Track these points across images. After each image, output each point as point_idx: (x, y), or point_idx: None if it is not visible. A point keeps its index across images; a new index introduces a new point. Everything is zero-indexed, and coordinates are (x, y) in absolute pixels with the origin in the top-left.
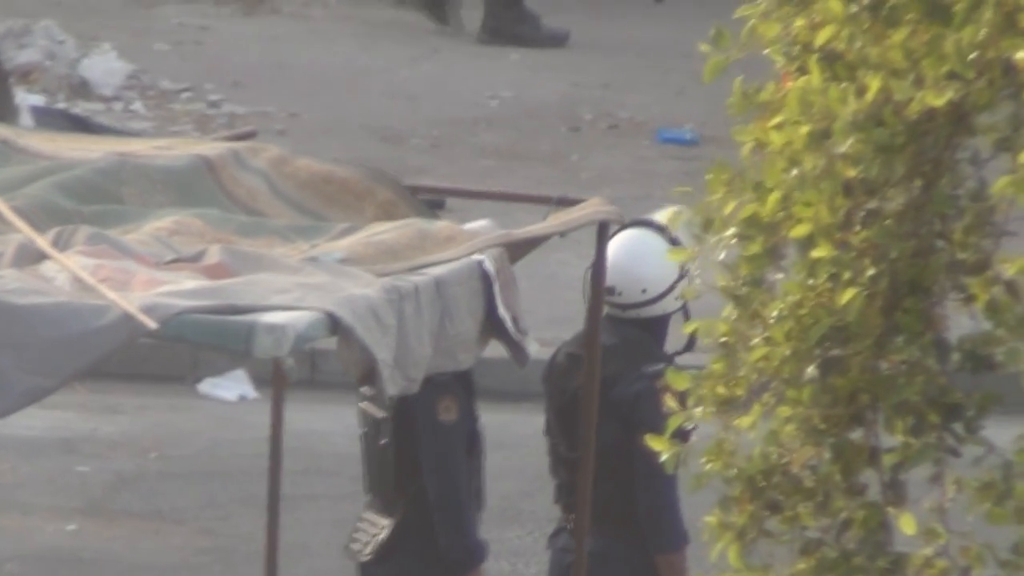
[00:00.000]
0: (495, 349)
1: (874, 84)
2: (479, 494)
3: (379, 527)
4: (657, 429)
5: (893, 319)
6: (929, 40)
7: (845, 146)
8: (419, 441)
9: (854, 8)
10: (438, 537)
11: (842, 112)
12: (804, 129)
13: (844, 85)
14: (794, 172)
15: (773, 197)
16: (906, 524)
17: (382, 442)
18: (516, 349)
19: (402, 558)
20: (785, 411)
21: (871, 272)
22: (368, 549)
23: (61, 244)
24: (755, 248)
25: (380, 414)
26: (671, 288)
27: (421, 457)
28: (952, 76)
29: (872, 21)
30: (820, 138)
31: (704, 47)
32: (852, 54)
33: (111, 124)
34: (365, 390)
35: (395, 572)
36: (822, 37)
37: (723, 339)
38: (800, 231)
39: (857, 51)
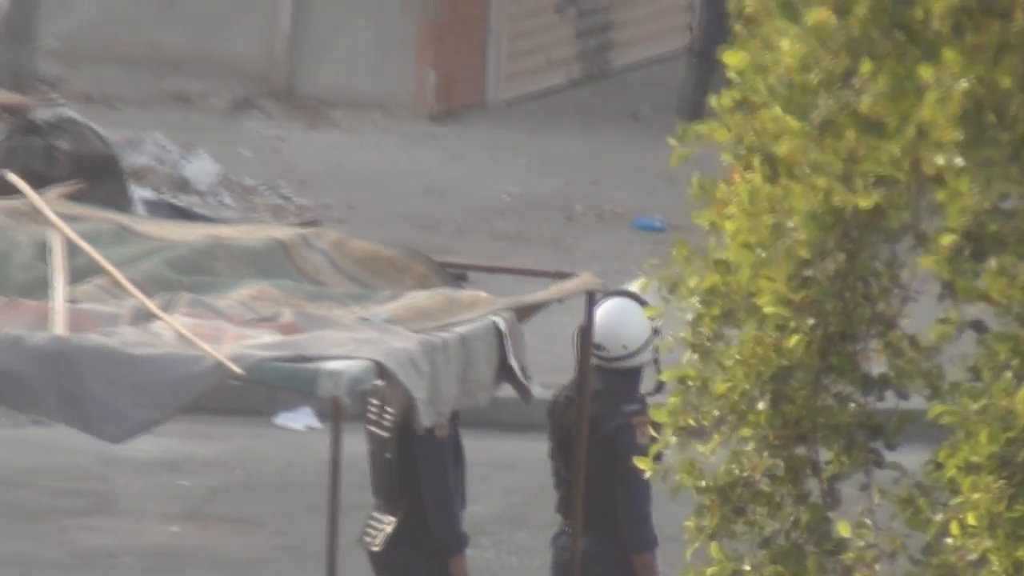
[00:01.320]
0: (507, 390)
1: (821, 184)
2: (462, 495)
3: (386, 523)
4: (633, 455)
5: (828, 360)
6: (866, 150)
7: (804, 234)
8: (417, 453)
9: (807, 126)
10: (432, 529)
11: (799, 207)
12: (767, 220)
13: (797, 186)
14: (760, 253)
15: (744, 274)
16: (842, 528)
17: (387, 456)
18: (523, 390)
19: (405, 547)
20: (746, 432)
21: (810, 323)
22: (378, 541)
23: (167, 307)
24: (715, 310)
25: (386, 435)
26: (645, 344)
27: (419, 466)
28: (878, 182)
29: (820, 134)
30: (779, 228)
31: (672, 141)
32: (801, 159)
33: (206, 213)
34: (370, 416)
35: (400, 559)
36: (783, 148)
37: (689, 382)
38: (764, 299)
39: (807, 158)
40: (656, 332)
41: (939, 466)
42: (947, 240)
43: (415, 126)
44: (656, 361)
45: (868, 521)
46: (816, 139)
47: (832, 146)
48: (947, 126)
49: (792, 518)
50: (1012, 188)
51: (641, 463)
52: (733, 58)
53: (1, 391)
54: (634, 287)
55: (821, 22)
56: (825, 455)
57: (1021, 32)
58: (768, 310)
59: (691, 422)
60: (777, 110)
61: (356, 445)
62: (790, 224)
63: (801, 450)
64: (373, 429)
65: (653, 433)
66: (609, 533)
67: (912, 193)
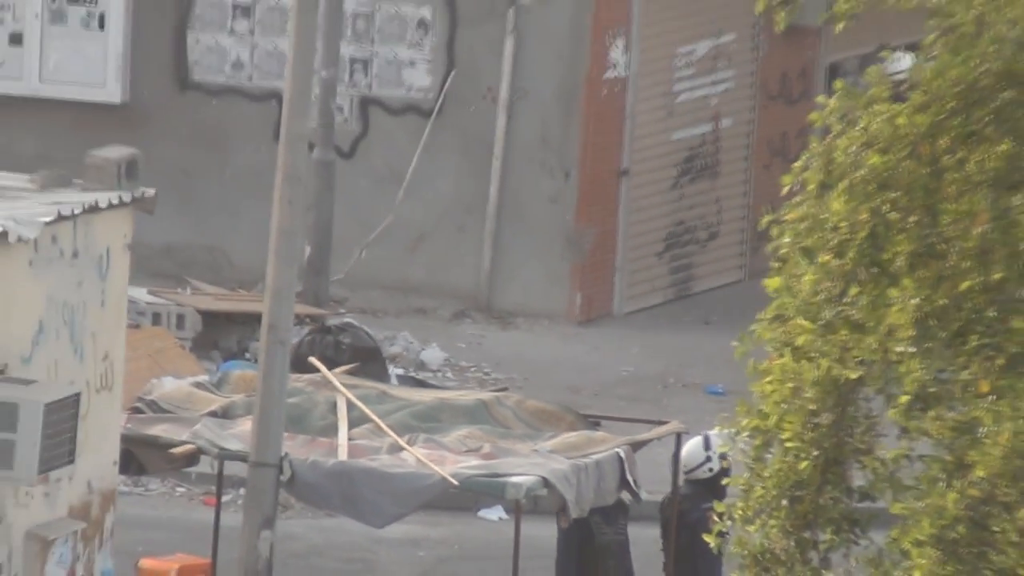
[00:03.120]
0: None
1: (824, 363)
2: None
3: None
4: (707, 535)
5: (826, 476)
6: (853, 342)
7: (812, 395)
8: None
9: (817, 327)
10: None
11: (809, 379)
12: (790, 386)
13: (809, 365)
14: (785, 408)
15: (774, 421)
16: None
17: (564, 527)
18: (636, 496)
19: None
20: (774, 521)
21: (815, 453)
22: None
23: (411, 443)
24: (758, 442)
25: (565, 525)
26: (712, 470)
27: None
28: (861, 363)
29: (824, 332)
30: (798, 391)
31: (734, 343)
32: (812, 348)
33: (436, 384)
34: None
35: None
36: (800, 341)
37: (741, 487)
38: (786, 436)
39: (815, 347)
40: (724, 457)
41: (895, 540)
42: (903, 400)
43: (568, 329)
44: (727, 474)
45: None
46: (821, 335)
47: (831, 340)
48: (905, 327)
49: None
50: (946, 365)
51: (708, 538)
52: (772, 283)
53: (307, 495)
54: (714, 431)
55: (826, 262)
56: (822, 536)
57: (952, 268)
58: (789, 444)
59: (740, 513)
60: (799, 319)
61: (530, 529)
62: (805, 390)
63: (807, 533)
64: (561, 521)
65: (717, 520)
66: None
67: (882, 369)
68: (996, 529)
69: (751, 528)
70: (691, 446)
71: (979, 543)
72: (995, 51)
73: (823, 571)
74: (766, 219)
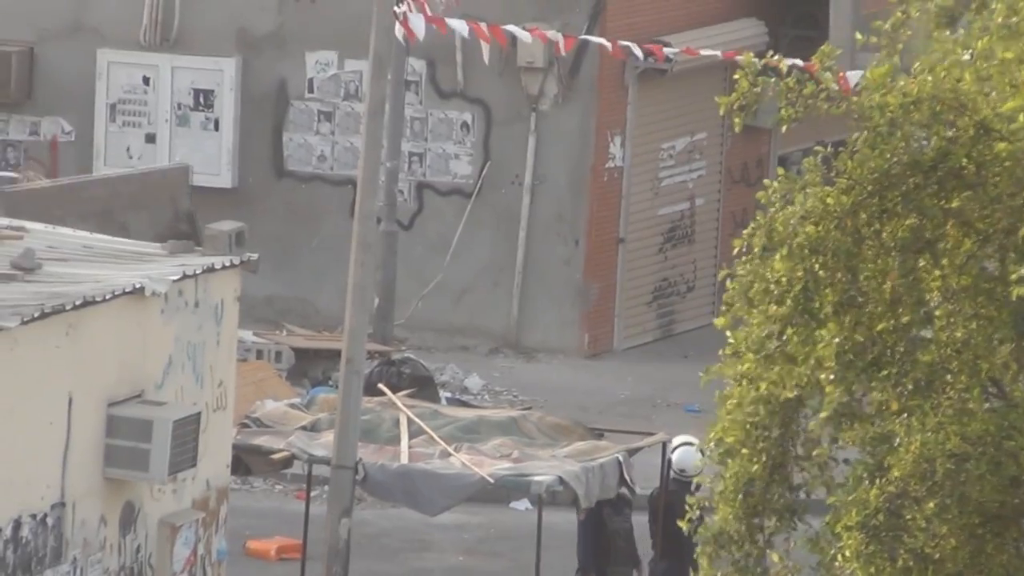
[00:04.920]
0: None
1: (764, 388)
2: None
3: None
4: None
5: (773, 477)
6: (787, 372)
7: (753, 410)
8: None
9: (760, 360)
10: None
11: (755, 400)
12: (745, 408)
13: (755, 390)
14: (745, 423)
15: (733, 435)
16: (774, 557)
17: (582, 518)
18: (632, 491)
19: None
20: (728, 510)
21: (763, 459)
22: None
23: (457, 450)
24: (720, 451)
25: (582, 517)
26: (695, 468)
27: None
28: (796, 386)
29: (767, 363)
30: (753, 412)
31: (701, 374)
32: (757, 376)
33: (476, 404)
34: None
35: None
36: (747, 368)
37: (708, 484)
38: (737, 445)
39: (760, 375)
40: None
41: (829, 526)
42: (823, 416)
43: (578, 362)
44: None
45: (786, 556)
46: (764, 365)
47: (773, 370)
48: (829, 359)
49: (749, 554)
50: (864, 388)
51: (681, 523)
52: (720, 321)
53: (376, 491)
54: (681, 439)
55: (767, 309)
56: (768, 523)
57: (868, 315)
58: (744, 451)
59: (708, 503)
60: (749, 355)
61: (550, 517)
62: (755, 409)
63: (756, 521)
64: (581, 513)
65: (689, 509)
66: (675, 560)
67: (813, 391)
68: (908, 517)
69: (716, 516)
70: (690, 454)
71: (895, 529)
72: (904, 147)
73: (767, 551)
74: (722, 273)
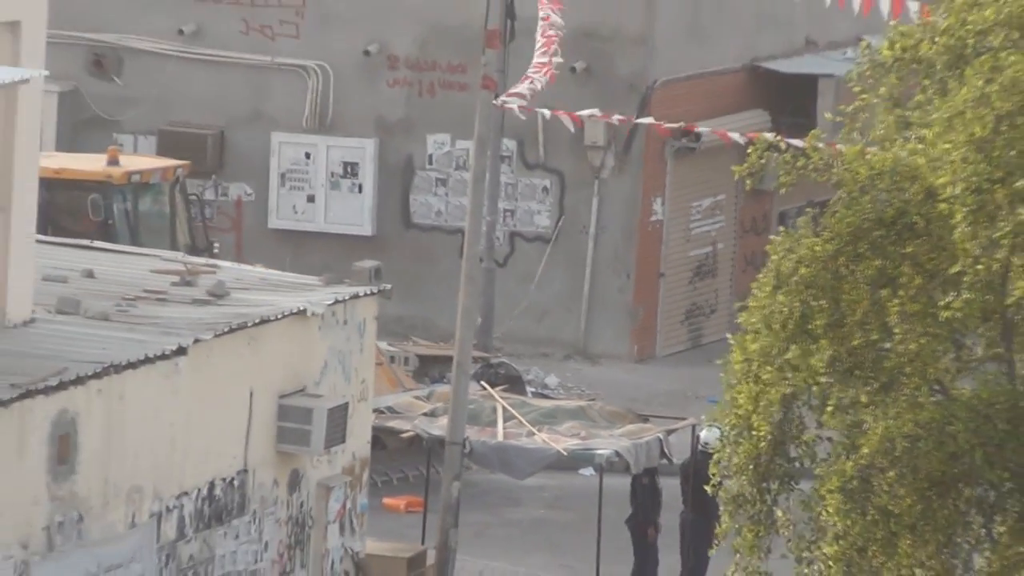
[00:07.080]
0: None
1: (772, 389)
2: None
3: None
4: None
5: (776, 451)
6: (791, 378)
7: (763, 410)
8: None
9: (772, 368)
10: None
11: (756, 400)
12: (747, 406)
13: (762, 389)
14: (748, 415)
15: (739, 422)
16: (778, 512)
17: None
18: (670, 460)
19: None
20: (744, 478)
21: (768, 438)
22: None
23: (540, 431)
24: (732, 433)
25: (646, 481)
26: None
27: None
28: (792, 388)
29: (778, 371)
30: (756, 405)
31: (721, 375)
32: (761, 372)
33: (554, 397)
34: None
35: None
36: (763, 375)
37: (725, 461)
38: (753, 428)
39: (770, 379)
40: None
41: (816, 490)
42: (831, 407)
43: (629, 366)
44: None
45: (787, 512)
46: (774, 372)
47: (776, 373)
48: (820, 367)
49: (759, 511)
50: (845, 389)
51: (707, 487)
52: (734, 364)
53: (479, 461)
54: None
55: (775, 331)
56: (773, 487)
57: (847, 333)
58: (754, 432)
59: (727, 472)
60: (760, 362)
61: (608, 481)
62: (771, 401)
63: (764, 485)
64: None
65: (713, 476)
66: (701, 514)
67: (804, 389)
68: (875, 483)
69: (731, 482)
70: (713, 433)
71: (865, 491)
72: (872, 207)
73: (773, 508)
74: (737, 305)
